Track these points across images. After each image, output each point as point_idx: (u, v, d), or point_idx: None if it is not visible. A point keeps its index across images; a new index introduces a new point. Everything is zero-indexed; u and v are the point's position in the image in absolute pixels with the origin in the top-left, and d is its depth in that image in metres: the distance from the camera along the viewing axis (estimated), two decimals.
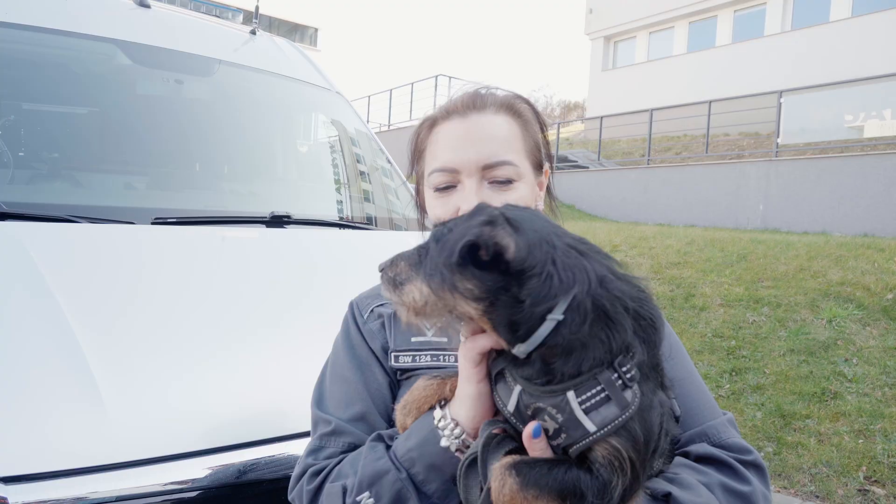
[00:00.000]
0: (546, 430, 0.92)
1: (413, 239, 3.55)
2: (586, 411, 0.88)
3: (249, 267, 2.36)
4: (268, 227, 2.69)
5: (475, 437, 1.04)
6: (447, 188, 1.25)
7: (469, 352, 1.01)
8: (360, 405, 1.26)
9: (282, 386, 1.84)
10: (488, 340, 0.99)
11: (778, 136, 14.23)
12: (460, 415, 1.04)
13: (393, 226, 3.57)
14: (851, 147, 13.22)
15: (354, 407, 1.26)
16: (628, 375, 0.89)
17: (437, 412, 1.08)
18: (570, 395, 0.89)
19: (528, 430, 0.92)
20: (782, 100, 14.22)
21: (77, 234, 2.20)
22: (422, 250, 0.97)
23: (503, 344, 0.94)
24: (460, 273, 0.88)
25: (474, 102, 1.28)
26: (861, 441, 4.31)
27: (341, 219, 3.30)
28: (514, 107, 1.31)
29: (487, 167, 1.22)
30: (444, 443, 1.06)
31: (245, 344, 1.95)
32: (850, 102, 13.76)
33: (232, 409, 1.73)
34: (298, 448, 1.69)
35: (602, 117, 18.92)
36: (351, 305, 1.42)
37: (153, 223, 2.43)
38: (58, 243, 2.10)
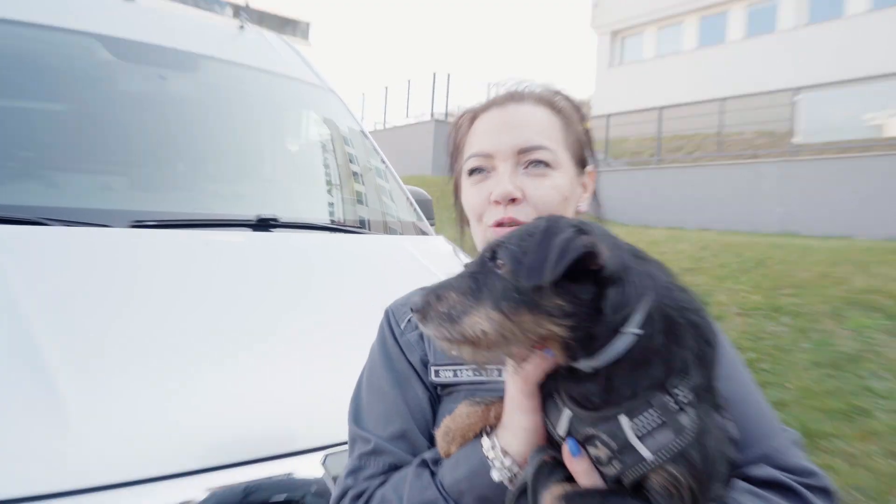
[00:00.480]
0: (598, 458, 0.91)
1: (408, 243, 3.49)
2: (641, 437, 0.88)
3: (234, 274, 2.32)
4: (254, 230, 2.66)
5: (524, 465, 1.03)
6: (481, 172, 1.29)
7: (524, 383, 1.00)
8: (399, 422, 1.26)
9: (275, 402, 1.80)
10: (544, 364, 0.97)
11: (794, 135, 14.27)
12: (511, 446, 1.04)
13: (387, 229, 3.53)
14: (874, 146, 13.24)
15: (394, 424, 1.26)
16: (683, 399, 0.88)
17: (487, 442, 1.08)
18: (623, 419, 0.88)
19: (566, 449, 0.94)
20: (798, 97, 14.28)
21: (49, 238, 2.16)
22: (475, 275, 0.94)
23: (566, 362, 0.93)
24: (551, 290, 0.87)
25: (513, 95, 1.34)
26: (895, 463, 4.26)
27: (333, 222, 3.27)
28: (554, 102, 1.34)
29: (522, 151, 1.26)
30: (495, 476, 1.05)
31: (231, 358, 1.90)
32: (870, 100, 13.82)
33: (220, 429, 1.68)
34: (305, 466, 1.67)
35: (609, 115, 18.94)
36: (387, 314, 1.42)
37: (131, 226, 2.39)
38: (28, 247, 2.06)
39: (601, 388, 0.91)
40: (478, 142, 1.31)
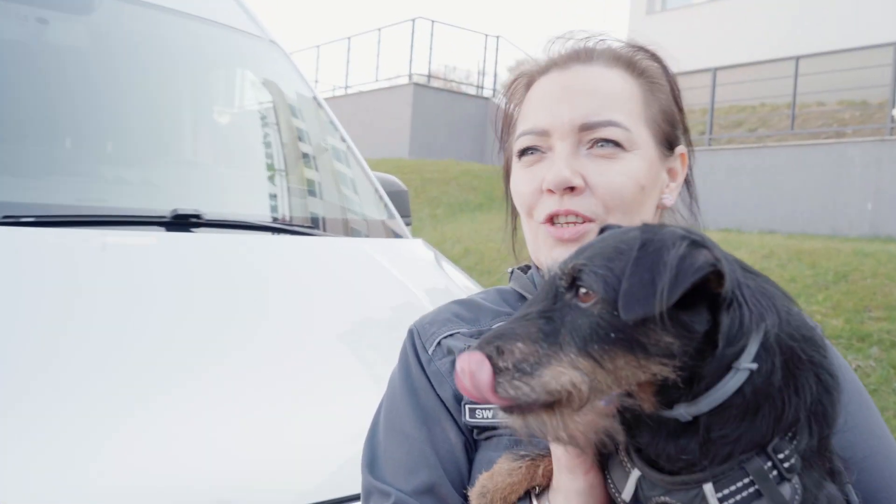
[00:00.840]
0: None
1: (376, 248, 3.54)
2: None
3: (141, 290, 2.34)
4: (168, 230, 2.68)
5: None
6: (534, 152, 1.33)
7: (582, 435, 0.97)
8: (426, 473, 1.29)
9: (187, 456, 1.84)
10: (608, 415, 0.96)
11: (893, 107, 14.42)
12: None
13: (349, 230, 3.57)
14: None
15: (419, 475, 1.29)
16: (786, 465, 0.90)
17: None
18: (708, 488, 0.91)
19: None
20: None
21: None
22: (547, 314, 0.94)
23: (655, 410, 0.93)
24: (658, 323, 0.87)
25: (579, 54, 1.37)
26: None
27: (275, 220, 3.30)
28: (635, 62, 1.38)
29: (586, 127, 1.29)
30: None
31: (136, 401, 1.93)
32: None
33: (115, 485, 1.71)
34: None
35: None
36: (411, 334, 1.45)
37: (1, 223, 2.39)
38: None
39: (699, 443, 0.92)
40: (531, 115, 1.35)
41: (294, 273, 2.83)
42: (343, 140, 3.85)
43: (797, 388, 0.92)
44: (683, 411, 0.91)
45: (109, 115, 3.14)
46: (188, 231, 2.72)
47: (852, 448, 1.22)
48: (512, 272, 1.51)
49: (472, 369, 0.91)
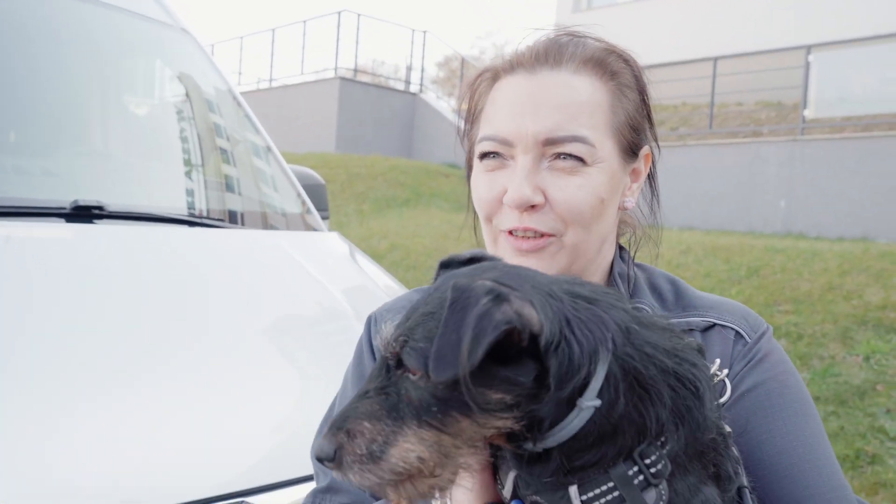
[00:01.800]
0: None
1: (289, 242, 3.52)
2: None
3: (41, 285, 2.30)
4: (69, 221, 2.63)
5: None
6: (496, 158, 1.32)
7: (438, 489, 1.00)
8: None
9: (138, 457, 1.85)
10: (482, 456, 0.99)
11: (805, 108, 14.91)
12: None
13: (267, 224, 3.54)
14: None
15: None
16: (652, 470, 0.93)
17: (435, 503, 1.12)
18: (573, 491, 0.94)
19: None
20: (811, 57, 14.90)
21: None
22: (384, 390, 0.96)
23: (511, 448, 0.97)
24: (479, 382, 0.88)
25: (549, 54, 1.34)
26: None
27: (191, 214, 3.25)
28: (606, 64, 1.35)
29: (550, 142, 1.28)
30: None
31: (43, 401, 1.90)
32: None
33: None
34: None
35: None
36: (369, 321, 1.47)
37: None
38: None
39: (554, 467, 0.95)
40: (495, 119, 1.34)
41: (207, 266, 2.80)
42: (258, 132, 3.82)
43: (652, 400, 0.94)
44: (531, 446, 0.94)
45: (10, 104, 3.06)
46: (91, 223, 2.67)
47: (780, 455, 1.26)
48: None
49: (326, 467, 0.98)
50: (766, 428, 1.28)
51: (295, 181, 3.72)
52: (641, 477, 0.93)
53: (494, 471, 1.08)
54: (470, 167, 1.45)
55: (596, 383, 0.91)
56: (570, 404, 0.91)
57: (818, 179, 13.31)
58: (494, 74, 1.39)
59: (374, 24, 23.09)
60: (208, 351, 2.31)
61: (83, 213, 2.66)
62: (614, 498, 0.92)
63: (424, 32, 23.17)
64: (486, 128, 1.35)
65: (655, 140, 1.45)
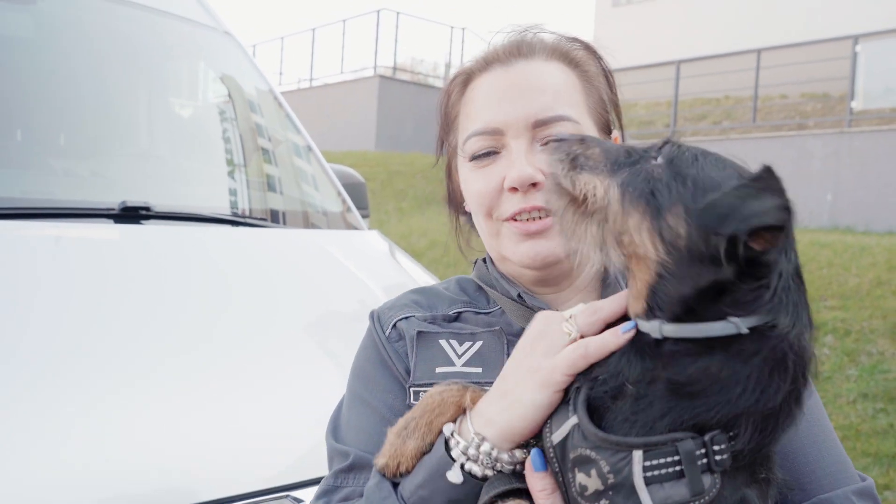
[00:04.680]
0: (582, 488, 0.98)
1: (330, 241, 3.56)
2: (647, 481, 0.93)
3: (94, 283, 2.35)
4: (117, 222, 2.69)
5: (512, 461, 1.10)
6: (488, 155, 1.37)
7: (576, 360, 1.05)
8: (386, 433, 1.33)
9: (173, 448, 1.89)
10: (612, 340, 1.03)
11: (853, 99, 14.66)
12: (496, 424, 1.10)
13: (308, 223, 3.59)
14: None
15: (381, 436, 1.31)
16: (717, 458, 0.93)
17: (448, 426, 1.15)
18: (637, 455, 0.94)
19: (529, 461, 1.04)
20: (858, 48, 14.66)
21: None
22: (631, 152, 1.07)
23: (641, 308, 1.00)
24: (683, 218, 0.95)
25: (520, 49, 1.40)
26: None
27: (234, 214, 3.30)
28: (571, 54, 1.43)
29: (539, 124, 1.33)
30: (453, 478, 1.11)
31: (100, 394, 1.95)
32: None
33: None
34: None
35: (611, 71, 19.18)
36: (372, 317, 1.50)
37: None
38: None
39: (651, 377, 0.96)
40: (480, 114, 1.37)
41: (248, 265, 2.84)
42: (299, 132, 3.87)
43: (764, 389, 0.94)
44: (655, 326, 0.97)
45: (61, 108, 3.13)
46: (138, 223, 2.73)
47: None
48: (476, 263, 1.55)
49: (556, 142, 1.12)
50: None
51: (335, 180, 3.75)
52: (705, 461, 0.93)
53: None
54: (449, 174, 1.50)
55: (757, 320, 0.93)
56: (721, 317, 0.94)
57: (866, 172, 13.09)
58: (466, 78, 1.44)
59: (413, 21, 23.26)
60: (254, 348, 2.35)
61: (131, 214, 2.72)
62: (674, 472, 0.93)
63: (463, 29, 23.21)
64: (471, 125, 1.38)
65: (621, 125, 1.52)
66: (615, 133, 1.47)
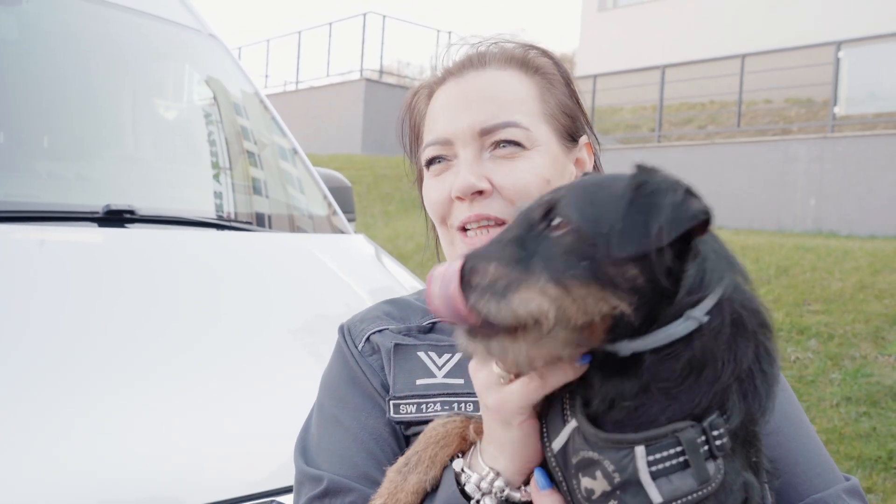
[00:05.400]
0: (589, 492, 0.97)
1: (315, 244, 3.54)
2: (653, 476, 0.93)
3: (79, 287, 2.34)
4: (101, 225, 2.68)
5: (522, 485, 1.08)
6: (440, 161, 1.38)
7: (530, 394, 1.02)
8: (363, 457, 1.31)
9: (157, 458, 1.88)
10: (572, 373, 0.99)
11: (836, 104, 14.77)
12: (499, 463, 1.09)
13: (294, 227, 3.58)
14: None
15: (355, 459, 1.31)
16: (718, 443, 0.94)
17: (458, 462, 1.13)
18: (640, 450, 0.93)
19: (533, 479, 1.02)
20: (841, 54, 14.77)
21: None
22: (520, 240, 0.98)
23: (602, 344, 0.96)
24: (632, 260, 0.91)
25: (472, 60, 1.42)
26: None
27: (220, 217, 3.30)
28: (528, 60, 1.43)
29: (485, 132, 1.34)
30: None
31: (93, 401, 1.95)
32: None
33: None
34: None
35: (596, 76, 19.29)
36: (341, 330, 1.49)
37: None
38: None
39: (639, 388, 0.95)
40: (433, 126, 1.39)
41: (234, 269, 2.84)
42: (284, 135, 3.87)
43: (736, 354, 0.95)
44: (625, 346, 0.94)
45: (45, 110, 3.12)
46: (122, 227, 2.72)
47: (767, 437, 1.27)
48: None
49: (446, 280, 0.95)
50: None
51: (321, 183, 3.75)
52: (707, 447, 0.93)
53: (540, 422, 1.07)
54: (420, 184, 1.50)
55: (709, 302, 0.94)
56: (678, 317, 0.93)
57: (849, 177, 13.19)
58: (429, 91, 1.46)
59: (399, 25, 23.19)
60: (241, 353, 2.35)
61: (115, 218, 2.71)
62: (679, 463, 0.93)
63: (449, 33, 23.21)
64: (427, 137, 1.41)
65: (590, 130, 1.50)
66: (584, 138, 1.46)
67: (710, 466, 0.93)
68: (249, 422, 2.10)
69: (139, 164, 3.48)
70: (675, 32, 22.41)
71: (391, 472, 1.17)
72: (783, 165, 14.02)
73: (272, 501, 1.92)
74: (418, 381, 1.34)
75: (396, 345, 1.38)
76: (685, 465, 0.93)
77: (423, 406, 1.32)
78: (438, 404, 1.31)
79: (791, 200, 13.75)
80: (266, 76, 25.10)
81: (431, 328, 1.43)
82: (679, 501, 0.92)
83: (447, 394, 1.32)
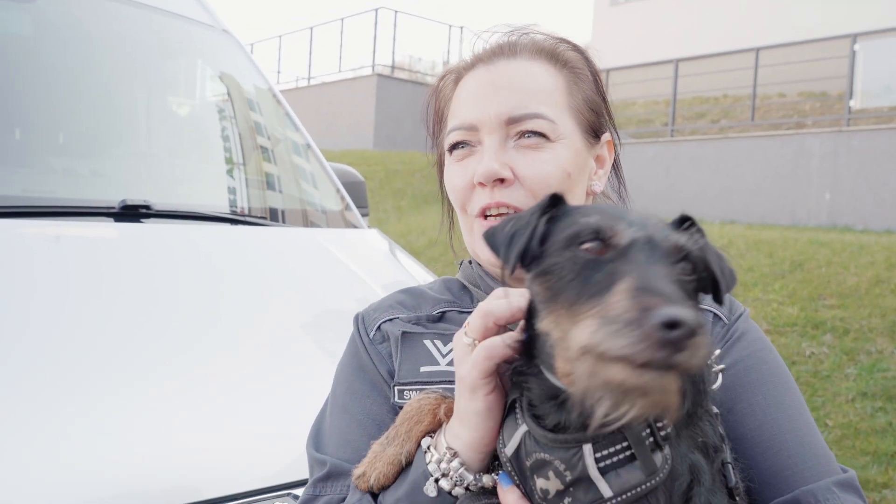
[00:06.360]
0: (545, 492, 1.00)
1: (329, 239, 3.56)
2: (602, 471, 0.96)
3: (97, 280, 2.35)
4: (117, 220, 2.69)
5: (480, 471, 1.11)
6: (464, 147, 1.40)
7: (485, 357, 1.08)
8: (364, 439, 1.33)
9: (175, 450, 1.89)
10: (507, 308, 1.06)
11: (851, 98, 14.68)
12: (460, 438, 1.12)
13: (308, 222, 3.59)
14: None
15: (358, 443, 1.34)
16: (662, 433, 0.97)
17: (426, 440, 1.16)
18: (587, 448, 0.96)
19: (499, 479, 1.05)
20: (857, 47, 14.67)
21: None
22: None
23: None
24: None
25: (504, 48, 1.43)
26: None
27: (234, 212, 3.30)
28: (558, 53, 1.44)
29: (512, 121, 1.36)
30: (429, 491, 1.12)
31: (99, 392, 1.95)
32: None
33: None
34: None
35: (609, 70, 19.20)
36: (356, 320, 1.52)
37: None
38: None
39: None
40: (460, 111, 1.41)
41: (248, 264, 2.85)
42: (297, 130, 3.87)
43: None
44: None
45: (60, 106, 3.14)
46: (138, 222, 2.73)
47: (761, 428, 1.29)
48: (461, 264, 1.57)
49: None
50: (747, 402, 1.32)
51: (334, 178, 3.76)
52: (651, 439, 0.96)
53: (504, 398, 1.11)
54: (440, 170, 1.52)
55: None
56: None
57: (864, 171, 13.11)
58: (457, 76, 1.47)
59: (411, 20, 23.22)
60: (254, 346, 2.35)
61: (131, 213, 2.73)
62: (625, 457, 0.96)
63: (461, 28, 23.21)
64: (452, 121, 1.42)
65: (614, 128, 1.51)
66: (606, 136, 1.48)
67: (658, 457, 0.96)
68: (260, 416, 2.11)
69: (153, 159, 3.50)
70: (688, 26, 22.31)
71: (375, 445, 1.23)
72: (797, 159, 13.94)
73: (287, 494, 1.93)
74: (422, 369, 1.37)
75: (404, 332, 1.41)
76: (632, 458, 0.96)
77: (429, 392, 1.35)
78: (440, 391, 1.32)
79: (805, 195, 13.68)
80: (278, 72, 25.17)
81: (441, 317, 1.46)
82: (629, 493, 0.95)
83: (449, 381, 1.33)
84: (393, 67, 22.77)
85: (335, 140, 19.93)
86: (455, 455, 1.11)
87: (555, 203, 1.06)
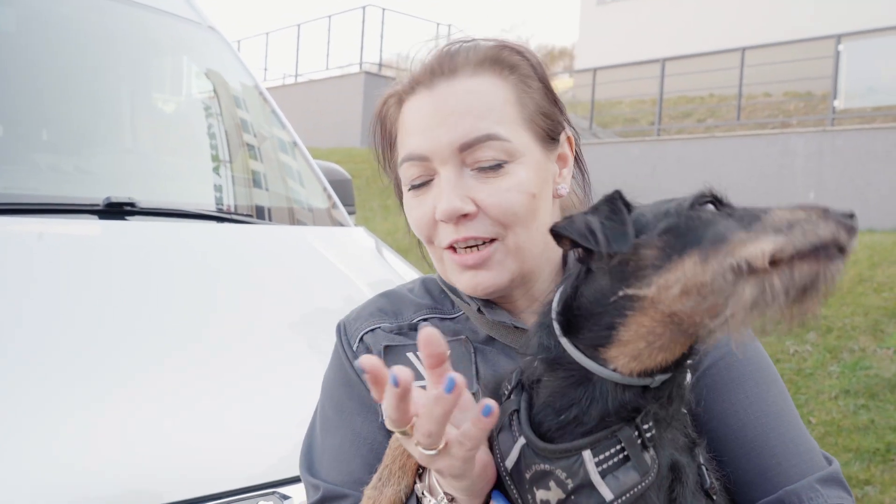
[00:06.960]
0: (545, 503, 1.01)
1: (315, 237, 3.54)
2: (602, 475, 0.98)
3: (78, 280, 2.34)
4: (102, 218, 2.68)
5: None
6: (423, 184, 1.31)
7: (468, 449, 0.99)
8: (357, 463, 1.31)
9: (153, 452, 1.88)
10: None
11: (835, 98, 14.76)
12: (456, 487, 1.06)
13: (294, 220, 3.58)
14: None
15: (351, 465, 1.32)
16: (648, 435, 1.00)
17: (419, 486, 1.13)
18: (587, 454, 0.99)
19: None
20: (841, 47, 14.75)
21: None
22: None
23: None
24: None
25: (442, 66, 1.32)
26: None
27: (220, 210, 3.30)
28: (501, 60, 1.33)
29: (465, 146, 1.26)
30: None
31: (92, 395, 1.95)
32: None
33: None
34: None
35: (596, 69, 19.28)
36: (338, 330, 1.46)
37: None
38: None
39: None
40: (408, 140, 1.32)
41: (234, 262, 2.84)
42: (284, 128, 3.86)
43: None
44: (656, 378, 1.01)
45: (44, 103, 3.12)
46: (123, 219, 2.72)
47: (744, 427, 1.27)
48: None
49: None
50: (728, 401, 1.30)
51: (321, 176, 3.75)
52: (640, 441, 1.00)
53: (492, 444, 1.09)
54: (400, 194, 1.44)
55: None
56: None
57: (848, 171, 13.19)
58: (399, 98, 1.37)
59: (399, 17, 23.16)
60: (242, 346, 2.35)
61: (115, 210, 2.71)
62: (620, 459, 0.99)
63: (449, 26, 23.15)
64: (402, 150, 1.35)
65: (568, 123, 1.42)
66: (564, 133, 1.40)
67: (647, 457, 1.00)
68: (248, 415, 2.10)
69: (138, 157, 3.48)
70: (674, 26, 22.39)
71: (368, 490, 1.18)
72: (782, 159, 14.02)
73: (273, 493, 1.93)
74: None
75: (386, 346, 1.36)
76: (626, 459, 0.99)
77: None
78: None
79: (790, 194, 13.74)
80: (265, 69, 25.07)
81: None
82: (627, 495, 0.98)
83: None
84: (381, 65, 22.71)
85: (322, 138, 19.87)
86: (453, 500, 1.09)
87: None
